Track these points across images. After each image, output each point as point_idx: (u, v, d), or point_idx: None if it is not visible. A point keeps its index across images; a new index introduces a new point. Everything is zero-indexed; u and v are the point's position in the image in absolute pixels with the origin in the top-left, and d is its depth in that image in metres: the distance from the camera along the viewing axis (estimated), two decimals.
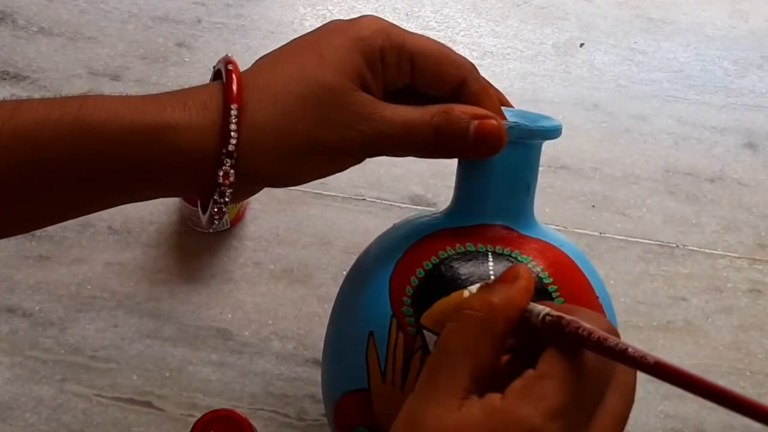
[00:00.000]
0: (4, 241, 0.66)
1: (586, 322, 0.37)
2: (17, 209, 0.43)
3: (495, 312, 0.38)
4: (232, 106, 0.41)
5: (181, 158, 0.42)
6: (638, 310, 0.67)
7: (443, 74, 0.45)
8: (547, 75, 0.77)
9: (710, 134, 0.75)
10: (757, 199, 0.72)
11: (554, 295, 0.46)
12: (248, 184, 0.44)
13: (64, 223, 0.66)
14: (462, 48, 0.77)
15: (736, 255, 0.70)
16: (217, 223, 0.45)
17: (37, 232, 0.66)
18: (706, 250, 0.70)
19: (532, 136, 0.48)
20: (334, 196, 0.70)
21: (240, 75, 0.43)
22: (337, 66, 0.43)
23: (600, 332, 0.36)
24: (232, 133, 0.41)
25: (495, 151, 0.45)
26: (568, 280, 0.47)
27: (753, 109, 0.76)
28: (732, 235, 0.70)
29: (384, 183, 0.70)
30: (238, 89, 0.42)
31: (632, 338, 0.66)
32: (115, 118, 0.41)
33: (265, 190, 0.68)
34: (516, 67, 0.77)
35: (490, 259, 0.47)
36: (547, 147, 0.72)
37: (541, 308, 0.38)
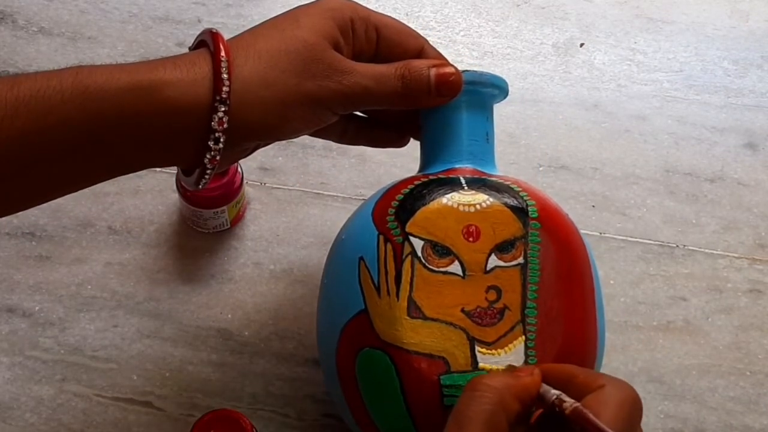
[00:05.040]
0: (4, 240, 0.66)
1: (613, 390, 0.42)
2: (24, 181, 0.44)
3: (511, 390, 0.42)
4: (222, 57, 0.45)
5: (176, 111, 0.44)
6: (638, 310, 0.67)
7: (405, 43, 0.52)
8: (547, 75, 0.77)
9: (710, 134, 0.75)
10: (757, 199, 0.72)
11: (531, 210, 0.51)
12: (239, 137, 0.47)
13: (64, 223, 0.67)
14: (462, 48, 0.77)
15: (736, 255, 0.70)
16: (206, 179, 0.48)
17: (37, 232, 0.66)
18: (706, 250, 0.70)
19: (482, 81, 0.54)
20: (334, 196, 0.70)
21: (224, 38, 0.47)
22: (313, 27, 0.48)
23: (585, 412, 0.40)
24: (224, 81, 0.45)
25: (454, 93, 0.52)
26: (541, 199, 0.53)
27: (753, 109, 0.76)
28: (732, 235, 0.70)
29: (384, 183, 0.69)
30: (225, 46, 0.46)
31: (632, 338, 0.66)
32: (111, 79, 0.44)
33: (265, 189, 0.68)
34: (516, 67, 0.77)
35: (463, 182, 0.52)
36: (547, 147, 0.73)
37: (554, 392, 0.43)
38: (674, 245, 0.70)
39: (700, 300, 0.68)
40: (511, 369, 0.47)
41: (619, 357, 0.65)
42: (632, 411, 0.42)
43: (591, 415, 0.40)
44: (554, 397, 0.42)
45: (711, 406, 0.64)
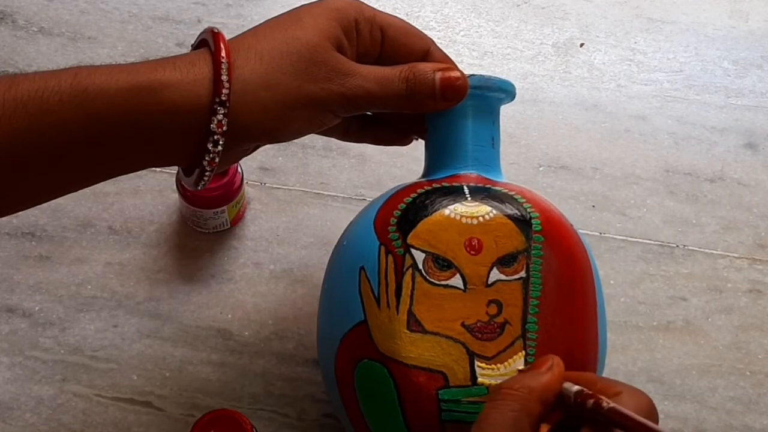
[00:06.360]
0: (4, 240, 0.66)
1: (629, 398, 0.42)
2: (22, 181, 0.44)
3: (533, 394, 0.42)
4: (223, 58, 0.44)
5: (175, 112, 0.44)
6: (638, 310, 0.67)
7: (410, 44, 0.51)
8: (547, 75, 0.77)
9: (710, 134, 0.75)
10: (757, 199, 0.72)
11: (535, 222, 0.51)
12: (239, 139, 0.46)
13: (64, 223, 0.67)
14: (462, 48, 0.77)
15: (736, 255, 0.70)
16: (205, 180, 0.47)
17: (37, 232, 0.66)
18: (706, 250, 0.70)
19: (489, 86, 0.54)
20: (334, 196, 0.70)
21: (225, 38, 0.46)
22: (316, 28, 0.47)
23: (622, 409, 0.40)
24: (224, 83, 0.44)
25: (460, 98, 0.51)
26: (546, 210, 0.52)
27: (753, 109, 0.76)
28: (732, 235, 0.70)
29: (384, 183, 0.70)
30: (225, 46, 0.45)
31: (632, 338, 0.66)
32: (110, 79, 0.43)
33: (265, 189, 0.68)
34: (516, 67, 0.77)
35: (466, 191, 0.52)
36: (547, 147, 0.73)
37: (575, 388, 0.42)
38: (674, 245, 0.70)
39: (700, 300, 0.68)
40: (529, 366, 0.46)
41: (619, 357, 0.65)
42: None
43: (630, 412, 0.40)
44: (575, 390, 0.42)
45: (711, 406, 0.64)
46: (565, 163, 0.73)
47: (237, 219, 0.67)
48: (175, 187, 0.65)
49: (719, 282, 0.68)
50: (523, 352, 0.49)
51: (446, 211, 0.50)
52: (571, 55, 0.78)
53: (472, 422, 0.48)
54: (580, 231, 0.54)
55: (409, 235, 0.50)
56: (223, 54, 0.45)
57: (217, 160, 0.46)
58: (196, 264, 0.66)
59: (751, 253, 0.70)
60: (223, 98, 0.44)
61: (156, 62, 0.45)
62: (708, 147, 0.74)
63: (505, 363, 0.48)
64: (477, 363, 0.48)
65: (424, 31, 0.53)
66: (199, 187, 0.48)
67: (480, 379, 0.48)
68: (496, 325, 0.49)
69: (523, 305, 0.49)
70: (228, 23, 0.76)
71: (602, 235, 0.70)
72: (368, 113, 0.58)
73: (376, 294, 0.49)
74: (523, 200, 0.52)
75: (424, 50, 0.52)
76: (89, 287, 0.65)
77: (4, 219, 0.66)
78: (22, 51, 0.74)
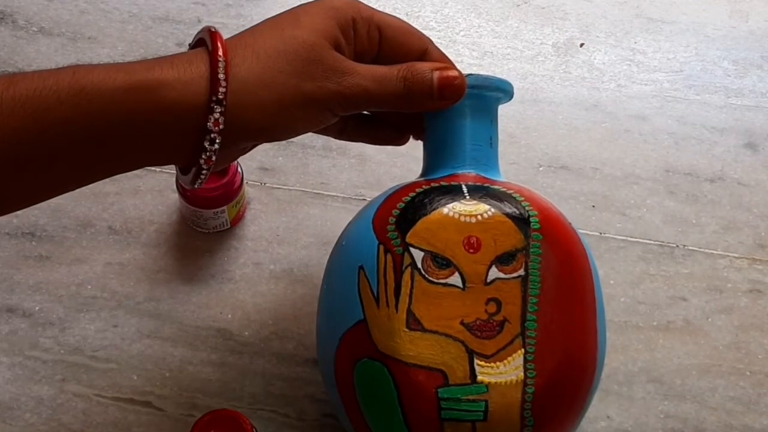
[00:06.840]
0: (4, 240, 0.66)
1: None
2: (20, 180, 0.44)
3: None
4: (220, 57, 0.45)
5: (172, 111, 0.44)
6: (638, 310, 0.67)
7: (408, 44, 0.51)
8: (547, 75, 0.77)
9: (710, 134, 0.75)
10: (757, 199, 0.72)
11: (533, 221, 0.51)
12: (236, 137, 0.46)
13: (64, 223, 0.67)
14: (462, 48, 0.77)
15: (736, 255, 0.70)
16: (202, 179, 0.48)
17: (37, 232, 0.66)
18: (706, 250, 0.70)
19: (487, 85, 0.54)
20: (334, 196, 0.70)
21: (223, 37, 0.46)
22: (314, 27, 0.47)
23: None
24: (221, 81, 0.44)
25: (458, 97, 0.51)
26: (544, 209, 0.52)
27: (753, 109, 0.76)
28: (732, 235, 0.70)
29: (384, 183, 0.70)
30: (222, 45, 0.45)
31: (632, 338, 0.66)
32: (108, 78, 0.43)
33: (265, 189, 0.68)
34: (516, 67, 0.77)
35: (465, 190, 0.52)
36: (547, 147, 0.73)
37: None
38: (674, 245, 0.70)
39: (700, 300, 0.68)
40: None
41: (619, 357, 0.65)
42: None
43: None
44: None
45: (711, 406, 0.64)
46: (565, 163, 0.73)
47: (237, 219, 0.67)
48: (175, 187, 0.65)
49: (719, 282, 0.68)
50: (523, 350, 0.49)
51: (445, 210, 0.50)
52: (571, 55, 0.78)
53: (472, 420, 0.48)
54: (580, 231, 0.54)
55: (408, 234, 0.50)
56: (221, 52, 0.45)
57: (213, 158, 0.46)
58: (196, 264, 0.66)
59: (751, 253, 0.70)
60: (220, 96, 0.44)
61: (153, 61, 0.45)
62: (708, 147, 0.74)
63: (505, 361, 0.48)
64: (476, 361, 0.48)
65: (423, 31, 0.53)
66: (196, 186, 0.48)
67: (479, 377, 0.48)
68: (495, 323, 0.49)
69: (522, 303, 0.49)
70: (228, 23, 0.76)
71: (602, 235, 0.70)
72: (365, 112, 0.58)
73: (375, 293, 0.49)
74: (522, 199, 0.52)
75: (422, 50, 0.52)
76: (89, 287, 0.65)
77: (4, 219, 0.66)
78: (22, 51, 0.74)
